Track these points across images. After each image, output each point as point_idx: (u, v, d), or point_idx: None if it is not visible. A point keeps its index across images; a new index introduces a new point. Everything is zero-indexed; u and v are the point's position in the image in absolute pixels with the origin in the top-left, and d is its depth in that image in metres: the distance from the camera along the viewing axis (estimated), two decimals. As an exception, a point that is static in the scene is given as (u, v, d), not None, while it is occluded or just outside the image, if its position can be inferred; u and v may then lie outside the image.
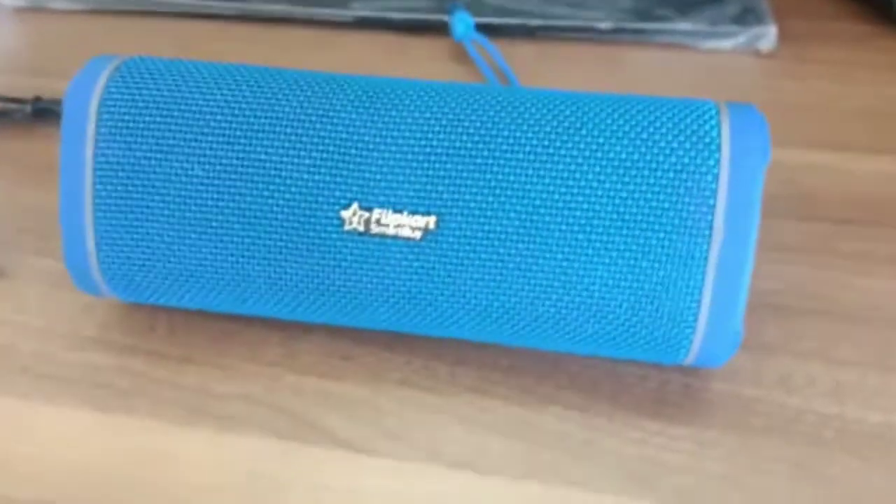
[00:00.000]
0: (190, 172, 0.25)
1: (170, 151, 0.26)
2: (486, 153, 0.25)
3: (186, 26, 0.48)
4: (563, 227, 0.24)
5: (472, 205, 0.25)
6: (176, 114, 0.26)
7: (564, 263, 0.24)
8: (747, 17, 0.44)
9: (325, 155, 0.25)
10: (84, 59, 0.45)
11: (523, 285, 0.25)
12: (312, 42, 0.46)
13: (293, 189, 0.25)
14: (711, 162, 0.24)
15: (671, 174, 0.24)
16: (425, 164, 0.25)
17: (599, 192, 0.24)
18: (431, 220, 0.25)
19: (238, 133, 0.25)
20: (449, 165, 0.25)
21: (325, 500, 0.25)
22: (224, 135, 0.25)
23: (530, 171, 0.24)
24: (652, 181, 0.24)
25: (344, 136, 0.25)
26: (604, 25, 0.45)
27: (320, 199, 0.25)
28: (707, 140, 0.24)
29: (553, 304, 0.25)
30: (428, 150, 0.25)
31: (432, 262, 0.25)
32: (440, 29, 0.45)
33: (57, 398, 0.27)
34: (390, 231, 0.25)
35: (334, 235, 0.25)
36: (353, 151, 0.25)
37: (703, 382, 0.28)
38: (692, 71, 0.44)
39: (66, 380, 0.28)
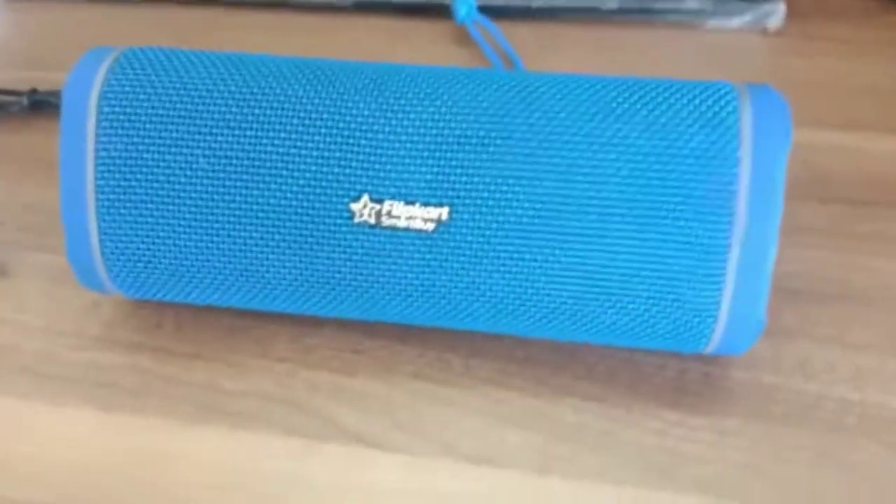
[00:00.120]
0: (194, 165, 0.25)
1: (173, 144, 0.25)
2: (498, 142, 0.24)
3: (184, 14, 0.47)
4: (580, 217, 0.24)
5: (486, 195, 0.24)
6: (178, 106, 0.25)
7: (582, 253, 0.24)
8: (755, -6, 0.44)
9: (333, 146, 0.24)
10: (80, 49, 0.44)
11: (540, 276, 0.24)
12: (312, 27, 0.45)
13: (301, 181, 0.24)
14: (732, 147, 0.23)
15: (690, 160, 0.23)
16: (437, 154, 0.24)
17: (617, 180, 0.23)
18: (444, 212, 0.24)
19: (243, 124, 0.25)
20: (461, 155, 0.24)
21: (340, 497, 0.24)
22: (229, 126, 0.25)
23: (545, 160, 0.24)
24: (671, 168, 0.23)
25: (353, 126, 0.24)
26: (609, 5, 0.44)
27: (329, 191, 0.24)
28: (727, 124, 0.23)
29: (571, 296, 0.24)
30: (439, 139, 0.24)
31: (446, 254, 0.24)
32: (441, 11, 0.44)
33: (59, 398, 0.27)
34: (402, 223, 0.24)
35: (344, 228, 0.25)
36: (363, 142, 0.24)
37: (723, 370, 0.27)
38: (699, 51, 0.43)
39: (70, 379, 0.27)
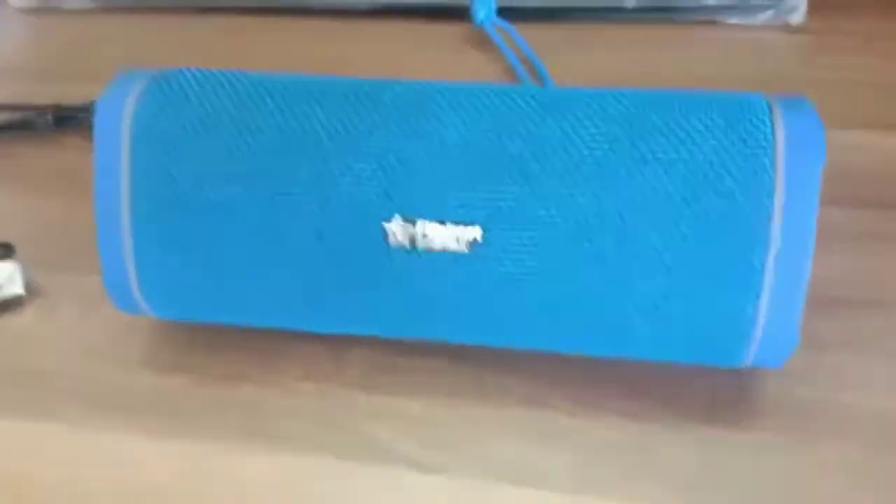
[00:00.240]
0: (228, 190, 0.25)
1: (207, 168, 0.25)
2: (530, 160, 0.24)
3: (201, 21, 0.47)
4: (615, 235, 0.23)
5: (518, 214, 0.24)
6: (212, 130, 0.25)
7: (618, 271, 0.24)
8: (776, -11, 0.43)
9: (365, 167, 0.24)
10: (99, 60, 0.45)
11: (576, 295, 0.24)
12: (329, 31, 0.45)
13: (335, 204, 0.25)
14: (767, 165, 0.23)
15: (725, 178, 0.23)
16: (469, 175, 0.24)
17: (651, 198, 0.23)
18: (477, 231, 0.24)
19: (276, 147, 0.25)
20: (493, 174, 0.24)
21: (382, 519, 0.25)
22: (261, 150, 0.25)
23: (578, 179, 0.24)
24: (706, 185, 0.23)
25: (384, 146, 0.24)
26: (629, 4, 0.43)
27: (363, 213, 0.24)
28: (762, 142, 0.23)
29: (606, 313, 0.24)
30: (471, 159, 0.24)
31: (480, 275, 0.24)
32: (460, 14, 0.44)
33: (102, 422, 0.27)
34: (437, 245, 0.24)
35: (380, 251, 0.25)
36: (395, 164, 0.24)
37: (756, 383, 0.27)
38: (721, 48, 0.43)
39: (112, 403, 0.28)
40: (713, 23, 0.44)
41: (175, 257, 0.26)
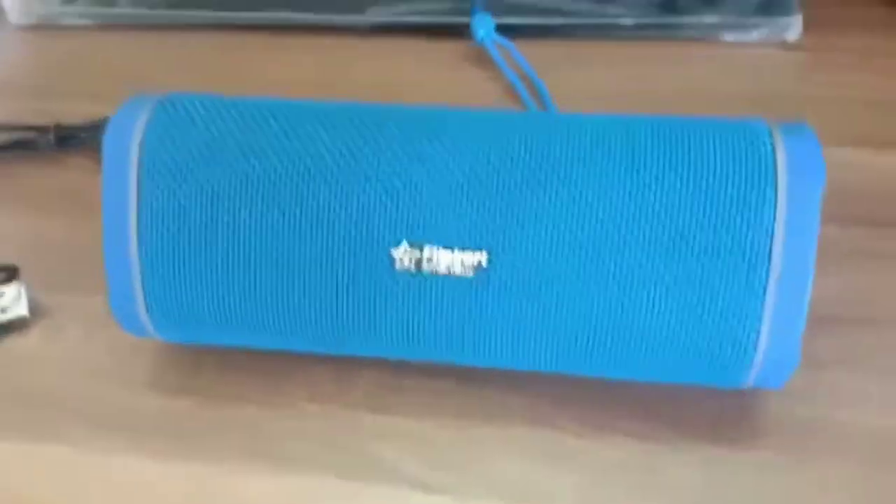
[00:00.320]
0: (236, 216, 0.25)
1: (214, 194, 0.25)
2: (535, 186, 0.24)
3: (200, 38, 0.47)
4: (619, 260, 0.24)
5: (523, 239, 0.24)
6: (219, 156, 0.25)
7: (622, 296, 0.24)
8: (772, 6, 0.44)
9: (372, 194, 0.25)
10: (97, 77, 0.45)
11: (580, 319, 0.24)
12: (330, 50, 0.46)
13: (341, 229, 0.25)
14: (768, 190, 0.23)
15: (728, 203, 0.23)
16: (474, 200, 0.24)
17: (655, 224, 0.24)
18: (483, 257, 0.24)
19: (282, 174, 0.25)
20: (498, 200, 0.24)
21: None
22: (268, 176, 0.25)
23: (582, 204, 0.24)
24: (709, 211, 0.23)
25: (390, 173, 0.25)
26: (627, 22, 0.44)
27: (369, 238, 0.25)
28: (763, 167, 0.24)
29: (611, 336, 0.25)
30: (476, 185, 0.24)
31: (485, 298, 0.25)
32: (460, 31, 0.44)
33: (109, 444, 0.27)
34: (442, 269, 0.25)
35: (385, 275, 0.25)
36: (401, 189, 0.25)
37: (759, 402, 0.27)
38: (718, 65, 0.43)
39: (118, 425, 0.28)
40: (710, 40, 0.44)
41: (182, 281, 0.26)
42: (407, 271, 0.25)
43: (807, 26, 0.44)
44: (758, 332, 0.24)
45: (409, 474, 0.26)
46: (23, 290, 0.31)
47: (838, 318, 0.30)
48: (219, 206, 0.25)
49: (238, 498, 0.26)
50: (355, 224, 0.25)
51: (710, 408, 0.27)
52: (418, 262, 0.25)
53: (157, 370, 0.30)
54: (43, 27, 0.49)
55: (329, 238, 0.25)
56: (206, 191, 0.25)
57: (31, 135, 0.39)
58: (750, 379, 0.25)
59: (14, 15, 0.49)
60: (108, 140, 0.26)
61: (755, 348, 0.24)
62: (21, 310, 0.31)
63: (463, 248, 0.24)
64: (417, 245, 0.25)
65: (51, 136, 0.39)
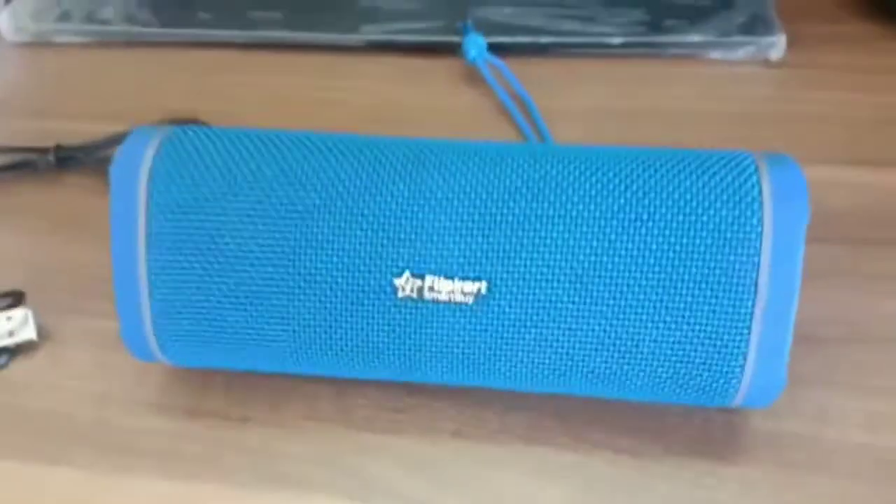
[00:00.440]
0: (244, 248, 0.26)
1: (222, 227, 0.26)
2: (532, 219, 0.25)
3: (196, 56, 0.48)
4: (612, 289, 0.25)
5: (522, 269, 0.25)
6: (225, 189, 0.26)
7: (614, 323, 0.25)
8: (756, 25, 0.45)
9: (375, 226, 0.26)
10: (94, 95, 0.45)
11: (574, 344, 0.26)
12: (324, 68, 0.46)
13: (346, 260, 0.26)
14: (754, 221, 0.24)
15: (715, 234, 0.25)
16: (474, 232, 0.25)
17: (646, 255, 0.25)
18: (482, 285, 0.25)
19: (289, 207, 0.26)
20: (497, 232, 0.25)
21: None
22: (276, 209, 0.26)
23: (578, 235, 0.25)
24: (697, 242, 0.25)
25: (393, 206, 0.26)
26: (615, 41, 0.45)
27: (373, 268, 0.26)
28: (749, 199, 0.25)
29: (604, 361, 0.26)
30: (476, 217, 0.26)
31: (485, 324, 0.26)
32: (452, 50, 0.45)
33: (119, 467, 0.28)
34: (443, 297, 0.26)
35: (388, 303, 0.26)
36: (403, 221, 0.26)
37: (744, 419, 0.29)
38: (704, 82, 0.44)
39: (128, 448, 0.29)
40: (696, 58, 0.45)
41: (192, 312, 0.27)
42: (409, 298, 0.26)
43: (792, 43, 0.45)
44: (744, 358, 0.25)
45: (412, 494, 0.27)
46: (30, 314, 0.32)
47: (820, 337, 0.31)
48: (226, 237, 0.26)
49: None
50: (359, 254, 0.26)
51: (698, 425, 0.29)
52: (420, 291, 0.26)
53: (167, 392, 0.30)
54: (37, 45, 0.50)
55: (333, 268, 0.26)
56: (213, 222, 0.26)
57: (31, 156, 0.40)
58: (737, 401, 0.26)
59: (8, 32, 0.49)
60: (115, 173, 0.27)
61: (742, 373, 0.25)
62: (29, 333, 0.32)
63: (463, 278, 0.25)
64: (419, 275, 0.26)
65: (51, 157, 0.39)
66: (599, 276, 0.25)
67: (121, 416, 0.30)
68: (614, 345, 0.25)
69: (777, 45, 0.44)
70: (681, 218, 0.25)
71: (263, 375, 0.30)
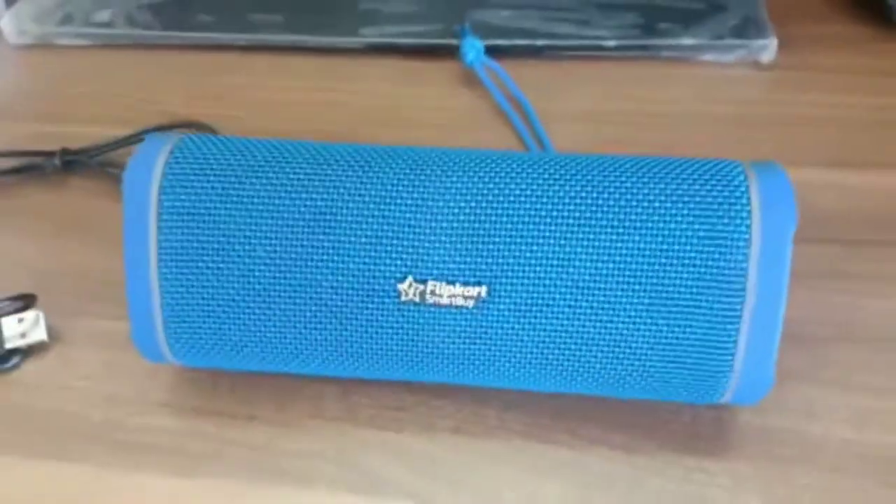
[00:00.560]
0: (252, 254, 0.27)
1: (232, 233, 0.27)
2: (530, 226, 0.26)
3: (197, 59, 0.48)
4: (607, 293, 0.26)
5: (521, 274, 0.26)
6: (235, 197, 0.27)
7: (609, 325, 0.26)
8: (748, 28, 0.46)
9: (379, 233, 0.27)
10: (96, 97, 0.46)
11: (570, 345, 0.27)
12: (324, 70, 0.47)
13: (351, 265, 0.27)
14: (742, 228, 0.25)
15: (706, 241, 0.26)
16: (474, 238, 0.26)
17: (640, 260, 0.26)
18: (483, 290, 0.26)
19: (297, 214, 0.27)
20: (496, 239, 0.26)
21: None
22: (283, 216, 0.27)
23: (574, 242, 0.26)
24: (688, 248, 0.26)
25: (396, 214, 0.27)
26: (609, 43, 0.46)
27: (377, 273, 0.27)
28: (737, 207, 0.26)
29: (599, 361, 0.27)
30: (476, 224, 0.26)
31: (485, 327, 0.27)
32: (450, 53, 0.46)
33: (131, 465, 0.29)
34: (445, 301, 0.27)
35: (392, 307, 0.27)
36: (406, 228, 0.27)
37: (732, 414, 0.30)
38: (696, 84, 0.45)
39: (140, 446, 0.30)
40: (689, 61, 0.46)
41: (202, 316, 0.28)
42: (411, 302, 0.27)
43: (784, 45, 0.46)
44: (732, 357, 0.26)
45: (414, 490, 0.28)
46: (41, 316, 0.33)
47: (808, 335, 0.32)
48: (235, 243, 0.27)
49: (255, 514, 0.28)
50: (363, 260, 0.27)
51: (689, 421, 0.30)
52: (422, 295, 0.27)
53: (176, 392, 0.31)
54: (39, 47, 0.50)
55: (339, 273, 0.27)
56: (222, 228, 0.27)
57: (37, 160, 0.40)
58: (726, 398, 0.27)
59: (11, 35, 0.50)
60: (128, 179, 0.28)
61: (731, 373, 0.26)
62: (40, 335, 0.33)
63: (464, 283, 0.26)
64: (421, 280, 0.26)
65: (57, 160, 0.40)
66: (595, 281, 0.26)
67: (130, 415, 0.31)
68: (609, 346, 0.26)
69: (768, 47, 0.45)
70: (672, 225, 0.26)
71: (270, 375, 0.31)
